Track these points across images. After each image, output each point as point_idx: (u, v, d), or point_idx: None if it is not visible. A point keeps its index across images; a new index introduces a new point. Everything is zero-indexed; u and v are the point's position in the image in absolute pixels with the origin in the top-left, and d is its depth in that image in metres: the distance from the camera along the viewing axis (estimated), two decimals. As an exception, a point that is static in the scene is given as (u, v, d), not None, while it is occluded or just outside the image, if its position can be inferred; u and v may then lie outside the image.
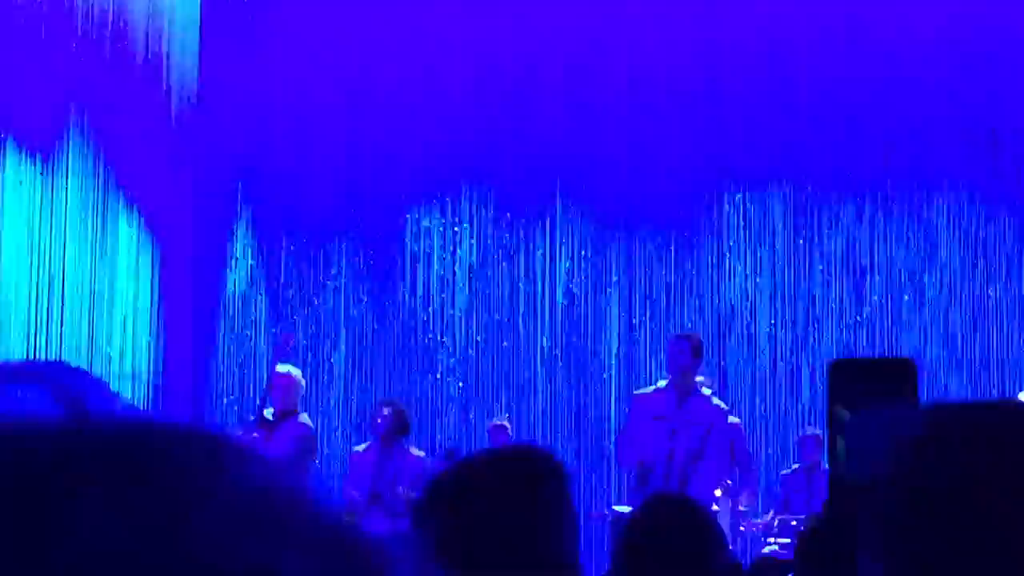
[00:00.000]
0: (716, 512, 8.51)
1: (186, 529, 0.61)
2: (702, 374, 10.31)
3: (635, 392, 9.80)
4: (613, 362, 12.69)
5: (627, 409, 9.56)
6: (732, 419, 9.94)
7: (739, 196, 12.81)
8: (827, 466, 8.44)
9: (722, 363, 12.54)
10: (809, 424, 11.60)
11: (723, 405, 9.24)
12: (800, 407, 12.46)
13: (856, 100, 12.51)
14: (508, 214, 13.05)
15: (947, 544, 1.28)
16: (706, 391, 9.18)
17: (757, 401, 12.52)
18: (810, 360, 12.47)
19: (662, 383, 9.22)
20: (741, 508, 9.85)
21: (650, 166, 12.74)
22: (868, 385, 1.75)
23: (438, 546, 2.39)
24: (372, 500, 9.51)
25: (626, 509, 8.69)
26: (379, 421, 9.83)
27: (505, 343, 12.86)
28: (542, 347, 12.81)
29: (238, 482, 0.65)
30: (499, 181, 13.04)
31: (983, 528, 1.28)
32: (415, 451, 9.98)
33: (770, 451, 12.36)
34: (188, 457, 0.66)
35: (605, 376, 12.49)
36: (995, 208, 12.39)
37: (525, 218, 13.01)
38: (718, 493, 8.82)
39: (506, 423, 11.36)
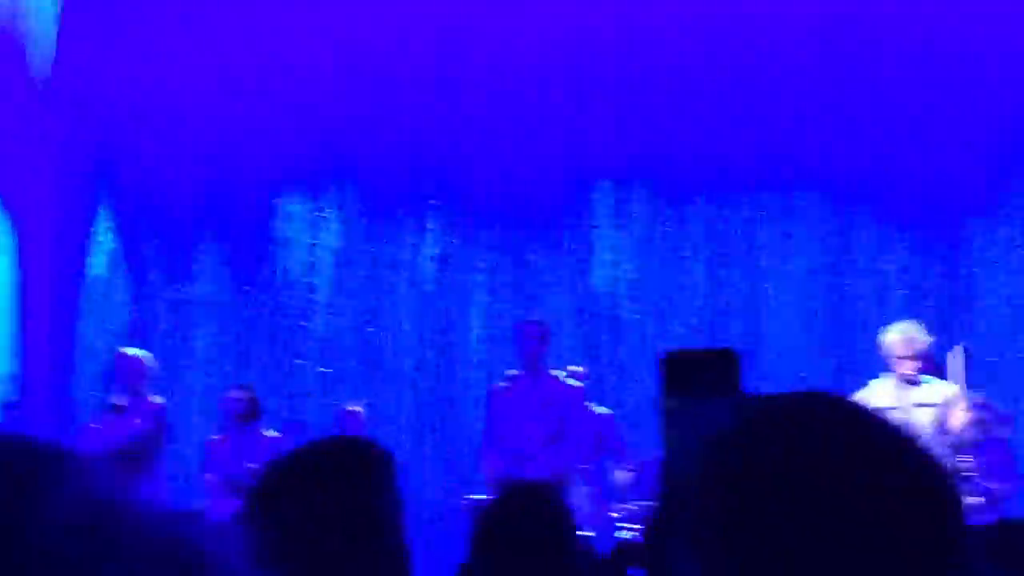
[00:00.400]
0: (574, 497, 8.60)
1: (16, 540, 0.61)
2: (575, 363, 10.39)
3: (491, 387, 9.88)
4: (477, 347, 12.71)
5: (486, 406, 9.60)
6: (601, 409, 10.04)
7: (606, 183, 12.89)
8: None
9: (587, 351, 12.62)
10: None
11: (575, 383, 9.33)
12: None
13: (721, 87, 12.64)
14: (374, 200, 13.01)
15: (754, 540, 1.28)
16: (558, 372, 9.27)
17: (625, 387, 12.61)
18: (673, 346, 12.57)
19: (513, 372, 9.31)
20: (616, 492, 9.96)
21: (516, 153, 12.78)
22: (696, 376, 1.78)
23: (266, 539, 2.39)
24: (227, 484, 9.48)
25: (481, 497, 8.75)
26: (232, 406, 9.84)
27: (370, 329, 12.83)
28: (407, 333, 12.80)
29: (73, 495, 0.65)
30: (366, 167, 12.99)
31: (788, 523, 1.27)
32: (269, 433, 9.97)
33: (637, 437, 12.46)
34: (22, 470, 0.65)
35: (470, 363, 12.51)
36: (855, 199, 12.59)
37: (391, 204, 12.98)
38: (576, 478, 8.90)
39: (359, 409, 11.34)
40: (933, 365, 9.75)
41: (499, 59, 12.85)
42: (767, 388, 12.29)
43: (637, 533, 9.88)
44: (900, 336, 8.85)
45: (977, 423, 9.57)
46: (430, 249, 12.94)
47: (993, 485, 10.00)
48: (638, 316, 12.70)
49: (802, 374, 12.33)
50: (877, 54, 12.51)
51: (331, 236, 13.03)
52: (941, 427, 8.63)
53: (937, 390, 8.82)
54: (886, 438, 1.32)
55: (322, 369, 12.82)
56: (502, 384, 9.48)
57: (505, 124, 12.80)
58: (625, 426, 12.23)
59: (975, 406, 9.46)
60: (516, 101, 12.79)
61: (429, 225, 12.96)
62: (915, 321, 9.32)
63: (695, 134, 12.64)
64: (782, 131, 12.56)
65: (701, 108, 12.63)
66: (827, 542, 1.25)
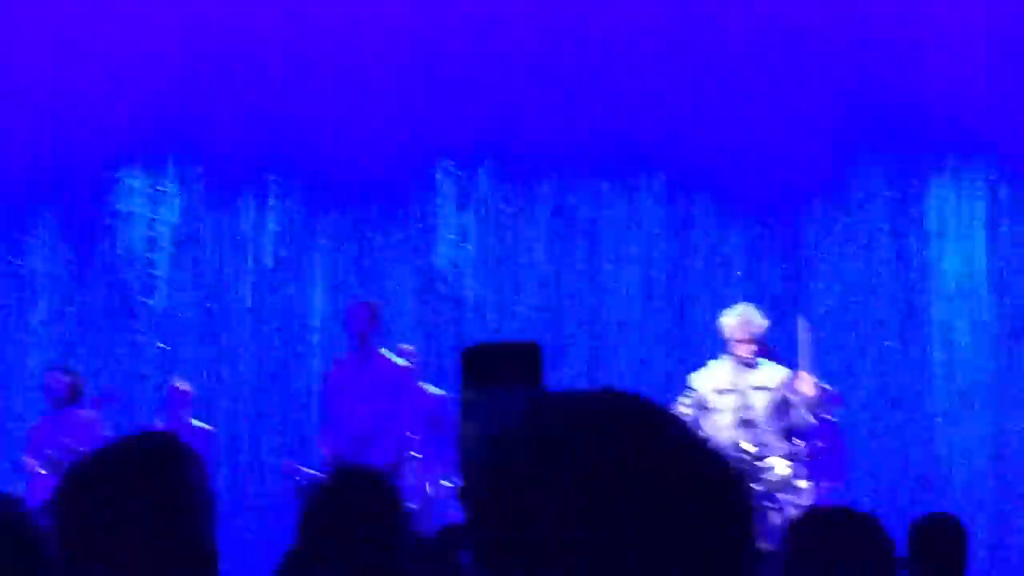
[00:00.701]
0: (407, 478, 8.63)
1: None
2: (416, 342, 10.38)
3: (326, 368, 9.88)
4: (318, 325, 12.65)
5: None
6: (435, 389, 10.06)
7: (449, 162, 12.89)
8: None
9: (428, 328, 12.63)
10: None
11: (404, 363, 9.35)
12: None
13: (565, 69, 12.69)
14: (216, 176, 12.87)
15: (528, 541, 1.26)
16: (386, 352, 9.28)
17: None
18: (517, 326, 12.64)
19: (344, 354, 9.32)
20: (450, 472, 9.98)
21: (359, 130, 12.71)
22: (496, 370, 1.78)
23: (71, 538, 2.36)
24: (48, 467, 9.36)
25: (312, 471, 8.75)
26: (51, 388, 9.76)
27: (210, 305, 12.69)
28: (248, 309, 12.69)
29: None
30: (207, 141, 12.84)
31: (565, 522, 1.25)
32: (88, 414, 9.90)
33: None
34: None
35: (311, 340, 12.44)
36: (696, 181, 12.73)
37: (232, 179, 12.85)
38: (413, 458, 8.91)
39: (187, 387, 11.24)
40: (767, 349, 9.91)
41: (343, 35, 12.76)
42: (605, 371, 12.41)
43: None
44: (737, 319, 8.93)
45: (813, 404, 9.74)
46: (271, 225, 12.83)
47: (824, 483, 10.23)
48: (480, 296, 12.72)
49: (642, 356, 12.47)
50: (718, 39, 12.65)
51: (171, 211, 12.87)
52: (777, 410, 8.72)
53: (773, 373, 8.93)
54: (675, 438, 1.32)
55: (161, 345, 12.66)
56: (334, 367, 9.47)
57: (349, 100, 12.72)
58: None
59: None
60: (360, 77, 12.72)
61: (270, 202, 12.85)
62: (751, 304, 9.43)
63: (539, 115, 12.68)
64: (625, 114, 12.65)
65: (545, 89, 12.67)
66: (609, 541, 1.24)
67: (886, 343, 12.38)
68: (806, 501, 9.24)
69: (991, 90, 12.42)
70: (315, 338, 12.54)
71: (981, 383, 12.25)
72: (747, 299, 12.34)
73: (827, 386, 10.79)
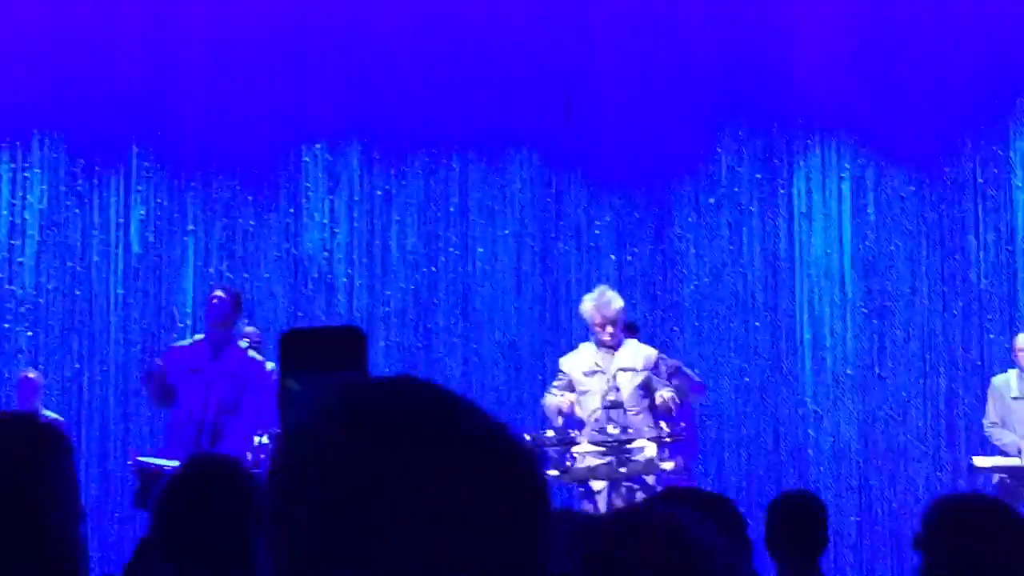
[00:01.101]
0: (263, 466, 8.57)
1: None
2: (287, 325, 10.29)
3: (171, 345, 9.78)
4: (189, 311, 12.53)
5: (160, 360, 9.46)
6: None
7: (317, 146, 12.82)
8: None
9: (299, 314, 12.56)
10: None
11: (258, 357, 9.30)
12: (374, 352, 12.61)
13: (433, 49, 12.67)
14: (81, 160, 12.68)
15: (314, 530, 1.25)
16: (243, 343, 9.23)
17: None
18: (385, 309, 12.63)
19: (199, 336, 9.23)
20: None
21: (227, 113, 12.60)
22: (318, 355, 1.75)
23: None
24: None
25: (156, 461, 8.63)
26: None
27: (78, 291, 12.52)
28: (116, 295, 12.53)
29: None
30: (72, 125, 12.65)
31: (355, 511, 1.24)
32: None
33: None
34: None
35: (180, 325, 12.32)
36: (566, 165, 12.78)
37: (99, 164, 12.67)
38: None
39: (37, 376, 11.09)
40: (635, 328, 9.99)
41: (211, 18, 12.63)
42: (477, 353, 12.43)
43: None
44: (593, 303, 8.94)
45: (675, 389, 9.82)
46: (139, 210, 12.67)
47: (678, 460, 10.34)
48: (351, 280, 12.68)
49: (514, 338, 12.51)
50: (587, 18, 12.70)
51: (36, 196, 12.66)
52: (643, 390, 8.77)
53: (638, 353, 8.96)
54: (471, 425, 1.31)
55: (29, 333, 12.46)
56: (184, 343, 9.39)
57: (217, 84, 12.60)
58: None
59: (672, 372, 9.70)
60: (228, 61, 12.61)
61: (137, 186, 12.69)
62: (608, 287, 9.45)
63: (407, 98, 12.65)
64: (493, 93, 12.67)
65: (414, 70, 12.65)
66: (399, 530, 1.23)
67: (755, 323, 12.53)
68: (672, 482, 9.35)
69: (857, 73, 12.60)
70: (186, 323, 12.41)
71: (847, 362, 12.45)
72: (618, 279, 12.46)
73: (693, 374, 10.90)
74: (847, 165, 12.69)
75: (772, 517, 5.05)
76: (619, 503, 8.30)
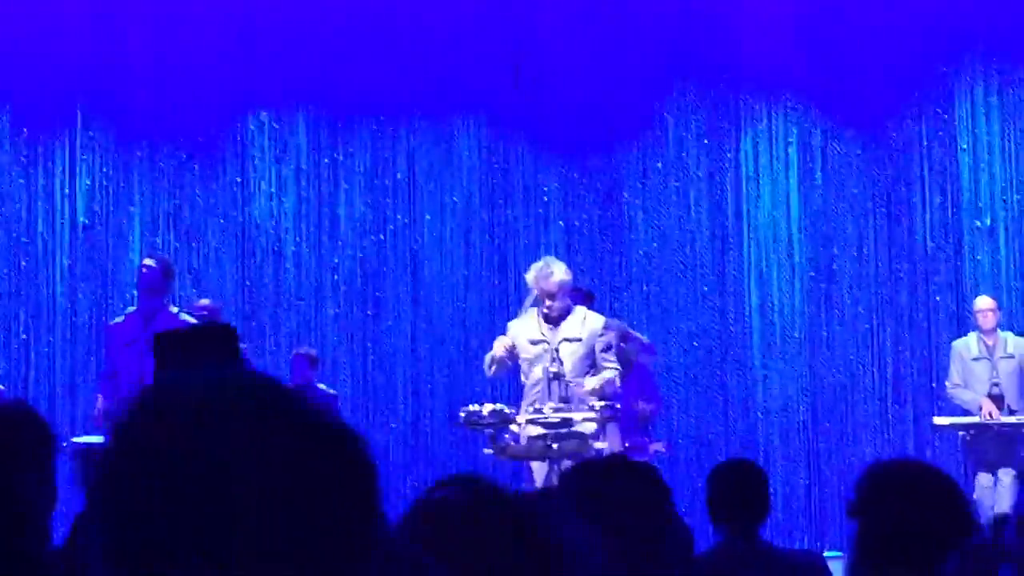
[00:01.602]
0: None
1: None
2: (236, 296, 10.25)
3: (107, 323, 9.76)
4: (135, 281, 12.45)
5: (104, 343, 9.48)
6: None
7: (264, 114, 12.76)
8: (320, 388, 8.62)
9: (247, 282, 12.53)
10: (306, 344, 11.83)
11: (190, 319, 9.29)
12: (323, 320, 12.60)
13: (377, 13, 12.62)
14: (25, 129, 12.58)
15: (132, 526, 1.26)
16: (174, 309, 9.21)
17: (281, 319, 12.58)
18: (334, 276, 12.60)
19: (131, 308, 9.21)
20: None
21: (173, 82, 12.51)
22: (192, 353, 1.77)
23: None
24: None
25: (90, 440, 8.59)
26: None
27: (24, 263, 12.44)
28: (62, 267, 12.46)
29: None
30: (16, 94, 12.54)
31: (170, 506, 1.24)
32: None
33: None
34: None
35: (128, 296, 12.26)
36: (514, 130, 12.77)
37: (44, 134, 12.57)
38: None
39: None
40: (584, 295, 9.98)
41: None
42: (425, 320, 12.43)
43: None
44: (535, 273, 8.71)
45: (626, 352, 9.83)
46: (84, 180, 12.59)
47: (641, 406, 10.35)
48: (299, 248, 12.65)
49: (462, 303, 12.51)
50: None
51: (-20, 167, 12.56)
52: (585, 361, 8.63)
53: (582, 323, 8.78)
54: (297, 413, 1.31)
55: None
56: (118, 320, 9.35)
57: (162, 51, 12.51)
58: (290, 352, 12.23)
59: (621, 338, 9.70)
60: (173, 27, 12.51)
61: (83, 156, 12.60)
62: (554, 257, 9.36)
63: (354, 64, 12.60)
64: (440, 60, 12.63)
65: (360, 37, 12.60)
66: (217, 521, 1.24)
67: (703, 287, 12.58)
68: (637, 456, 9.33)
69: (803, 38, 12.63)
70: (133, 293, 12.35)
71: (794, 324, 12.52)
72: (566, 245, 12.49)
73: (642, 336, 10.95)
74: (794, 129, 12.74)
75: (712, 486, 5.07)
76: (556, 480, 8.24)
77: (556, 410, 8.25)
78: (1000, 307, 11.20)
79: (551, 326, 8.64)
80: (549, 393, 8.39)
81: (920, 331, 12.43)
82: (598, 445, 8.29)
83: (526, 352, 8.64)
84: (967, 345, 11.02)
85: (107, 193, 12.60)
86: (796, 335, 12.50)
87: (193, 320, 9.28)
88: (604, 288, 12.50)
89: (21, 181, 12.55)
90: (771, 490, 5.41)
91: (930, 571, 3.11)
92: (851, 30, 12.55)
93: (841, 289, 12.54)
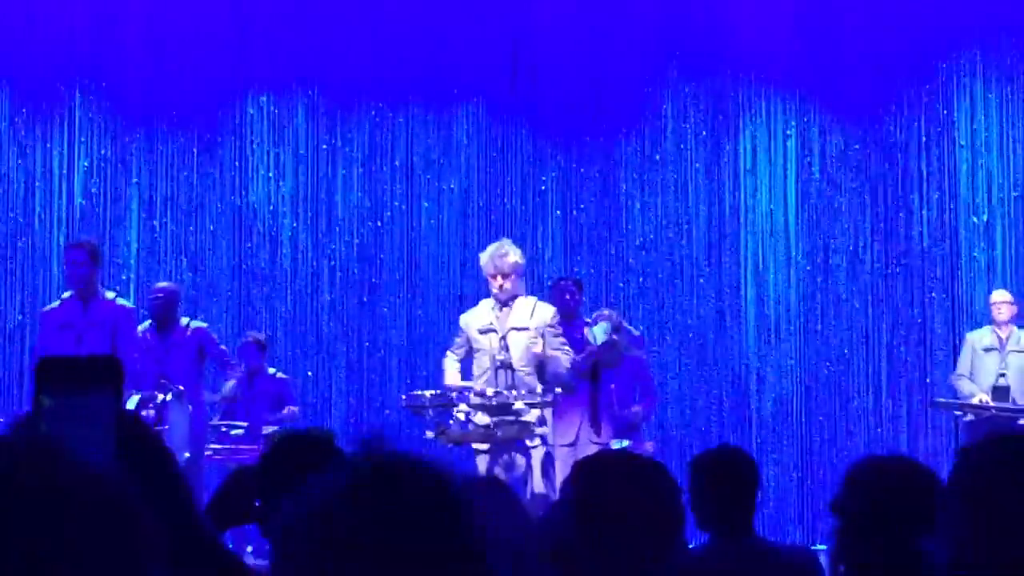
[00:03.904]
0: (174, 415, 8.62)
1: None
2: (234, 282, 10.22)
3: (42, 309, 9.79)
4: (133, 263, 12.48)
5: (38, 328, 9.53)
6: (197, 323, 9.98)
7: (263, 98, 12.76)
8: (270, 372, 8.59)
9: (244, 265, 12.54)
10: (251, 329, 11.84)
11: (128, 304, 9.31)
12: (318, 306, 12.61)
13: (380, 7, 12.61)
14: (24, 110, 12.58)
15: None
16: (109, 294, 9.23)
17: (276, 303, 12.59)
18: (331, 262, 12.61)
19: (67, 294, 9.24)
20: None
21: (172, 65, 12.52)
22: (74, 378, 1.80)
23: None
24: None
25: None
26: None
27: (21, 242, 12.44)
28: (59, 246, 12.45)
29: None
30: (16, 75, 12.54)
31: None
32: None
33: (293, 349, 12.48)
34: None
35: (124, 277, 12.27)
36: (513, 119, 12.77)
37: (42, 114, 12.57)
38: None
39: None
40: (573, 284, 9.93)
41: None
42: (423, 307, 12.43)
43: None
44: (487, 254, 8.58)
45: (618, 344, 9.79)
46: (82, 161, 12.59)
47: (635, 410, 10.34)
48: (296, 233, 12.65)
49: (459, 291, 12.50)
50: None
51: (-22, 147, 12.56)
52: (537, 351, 8.50)
53: (529, 311, 8.58)
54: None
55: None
56: (54, 304, 9.37)
57: (162, 34, 12.50)
58: (286, 339, 12.25)
59: (613, 329, 9.67)
60: (173, 9, 12.50)
61: (82, 138, 12.60)
62: (509, 239, 9.22)
63: (354, 49, 12.60)
64: (439, 47, 12.62)
65: (361, 23, 12.59)
66: None
67: (700, 280, 12.58)
68: (596, 439, 9.26)
69: (803, 32, 12.63)
70: (129, 275, 12.37)
71: (790, 318, 12.52)
72: (563, 235, 12.50)
73: (633, 329, 10.95)
74: (792, 123, 12.73)
75: (699, 476, 4.98)
76: (499, 470, 8.17)
77: (496, 394, 8.14)
78: (1015, 302, 11.19)
79: (503, 314, 8.49)
80: (496, 382, 8.31)
81: (915, 326, 12.44)
82: (540, 431, 8.22)
83: (476, 343, 8.53)
84: (980, 337, 11.11)
85: (105, 175, 12.60)
86: (791, 329, 12.51)
87: (129, 305, 9.32)
88: (600, 279, 12.51)
89: (19, 161, 12.55)
90: (763, 482, 5.36)
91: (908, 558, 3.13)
92: (850, 24, 12.55)
93: (837, 283, 12.54)
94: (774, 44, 12.62)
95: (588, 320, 9.88)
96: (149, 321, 9.86)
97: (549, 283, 10.69)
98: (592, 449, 8.99)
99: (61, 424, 1.67)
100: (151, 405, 8.92)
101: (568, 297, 9.63)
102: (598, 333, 9.48)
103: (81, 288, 8.98)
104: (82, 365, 1.80)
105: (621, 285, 12.59)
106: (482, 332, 8.48)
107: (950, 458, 10.64)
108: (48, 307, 9.54)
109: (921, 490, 3.32)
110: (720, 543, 4.71)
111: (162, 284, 10.45)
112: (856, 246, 12.55)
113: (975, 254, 12.44)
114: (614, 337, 9.61)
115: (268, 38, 12.57)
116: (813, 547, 7.63)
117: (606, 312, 10.29)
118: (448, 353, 8.85)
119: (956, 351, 11.73)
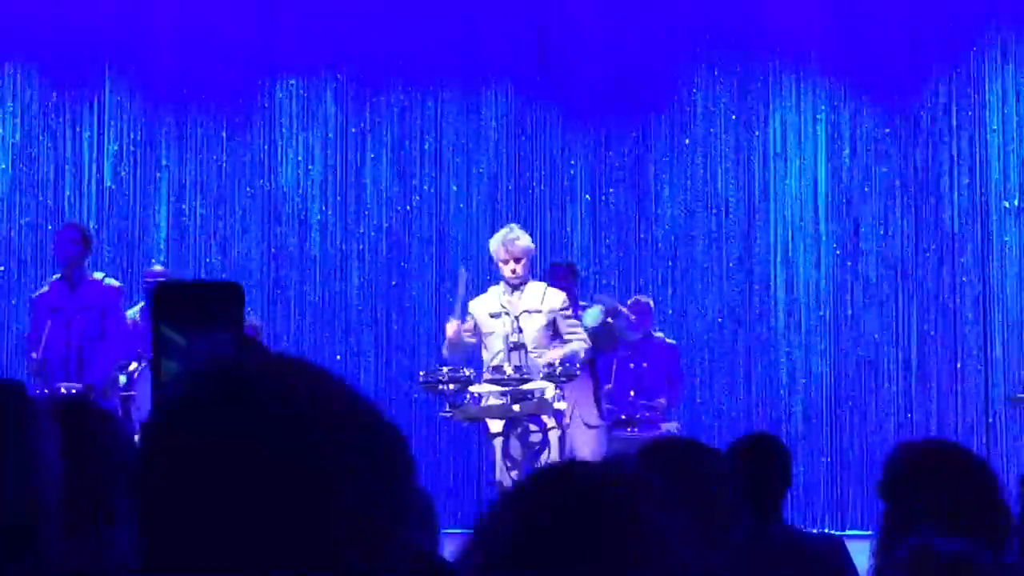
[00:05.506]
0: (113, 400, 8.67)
1: None
2: (263, 264, 10.19)
3: (31, 295, 9.84)
4: (163, 247, 12.51)
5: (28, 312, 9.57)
6: None
7: (292, 82, 12.76)
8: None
9: (272, 250, 12.56)
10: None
11: (115, 283, 9.35)
12: (347, 292, 12.62)
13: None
14: (54, 94, 12.61)
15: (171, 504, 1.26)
16: (98, 275, 9.26)
17: (306, 288, 12.60)
18: (360, 246, 12.62)
19: (55, 277, 9.28)
20: None
21: (201, 49, 12.53)
22: (194, 309, 1.74)
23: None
24: None
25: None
26: None
27: (50, 226, 12.47)
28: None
29: None
30: (46, 59, 12.57)
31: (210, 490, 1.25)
32: None
33: (321, 334, 12.50)
34: None
35: (153, 261, 12.29)
36: (541, 103, 12.75)
37: (72, 98, 12.60)
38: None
39: None
40: (568, 270, 9.92)
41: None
42: (452, 291, 12.43)
43: None
44: (498, 240, 8.64)
45: (605, 329, 9.72)
46: (112, 145, 12.62)
47: (660, 402, 10.35)
48: (325, 217, 12.66)
49: (488, 275, 12.49)
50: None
51: (9, 130, 12.59)
52: (547, 332, 8.51)
53: (541, 295, 8.61)
54: (340, 398, 1.31)
55: (1, 268, 12.44)
56: (43, 290, 9.41)
57: (191, 17, 12.51)
58: (316, 324, 12.26)
59: (611, 314, 9.62)
60: (203, -5, 12.52)
61: (111, 121, 12.63)
62: (518, 225, 9.22)
63: (383, 33, 12.59)
64: (468, 31, 12.61)
65: (389, 6, 12.58)
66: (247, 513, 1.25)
67: (729, 264, 12.55)
68: (593, 422, 9.25)
69: (833, 14, 12.57)
70: (160, 259, 12.39)
71: (820, 303, 12.49)
72: (592, 219, 12.48)
73: (631, 315, 10.91)
74: (822, 107, 12.69)
75: (734, 460, 5.00)
76: (516, 444, 8.20)
77: (516, 368, 8.18)
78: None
79: (514, 297, 8.51)
80: (509, 362, 8.30)
81: (945, 311, 12.39)
82: (558, 406, 8.23)
83: (486, 327, 8.54)
84: None
85: (134, 159, 12.63)
86: (820, 314, 12.47)
87: (117, 285, 9.36)
88: (629, 263, 12.50)
89: (49, 145, 12.58)
90: (793, 468, 5.36)
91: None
92: (881, 8, 12.49)
93: (867, 267, 12.50)
94: (805, 28, 12.57)
95: (584, 304, 9.87)
96: (142, 303, 9.98)
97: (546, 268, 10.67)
98: (586, 432, 9.04)
99: (180, 362, 1.63)
100: (124, 372, 9.02)
101: (562, 281, 9.61)
102: (589, 318, 9.46)
103: (70, 268, 9.04)
104: (203, 293, 1.75)
105: (650, 270, 12.57)
106: (493, 316, 8.50)
107: (979, 445, 10.62)
108: (38, 292, 9.60)
109: (972, 477, 3.31)
110: (748, 530, 4.75)
111: (156, 268, 10.54)
112: (886, 230, 12.51)
113: (1006, 238, 12.38)
114: (609, 321, 9.57)
115: (297, 23, 12.57)
116: (843, 532, 7.62)
117: (604, 298, 10.24)
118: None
119: (987, 336, 11.67)
